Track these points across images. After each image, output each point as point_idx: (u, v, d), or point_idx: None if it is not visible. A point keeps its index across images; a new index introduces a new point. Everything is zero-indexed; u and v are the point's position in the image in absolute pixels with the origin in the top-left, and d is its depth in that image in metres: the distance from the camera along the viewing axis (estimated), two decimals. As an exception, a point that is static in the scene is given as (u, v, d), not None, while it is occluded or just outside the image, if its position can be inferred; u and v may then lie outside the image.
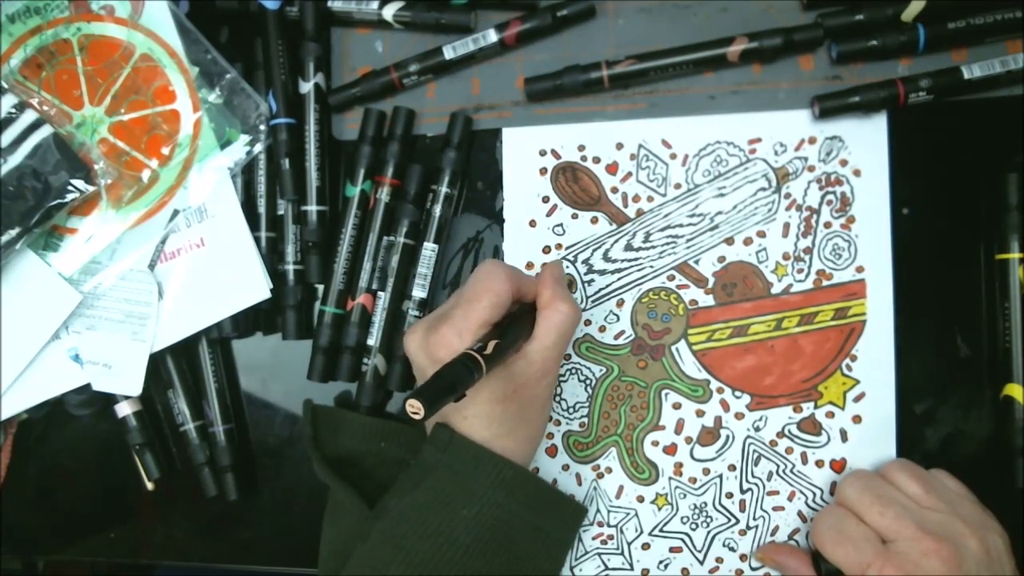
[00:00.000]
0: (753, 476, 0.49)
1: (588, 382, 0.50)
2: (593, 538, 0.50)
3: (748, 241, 0.50)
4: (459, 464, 0.42)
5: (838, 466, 0.49)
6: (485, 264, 0.44)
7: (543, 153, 0.51)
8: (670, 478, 0.50)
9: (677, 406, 0.50)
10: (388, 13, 0.51)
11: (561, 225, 0.51)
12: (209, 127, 0.51)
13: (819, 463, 0.49)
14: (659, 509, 0.50)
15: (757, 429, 0.49)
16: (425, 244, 0.50)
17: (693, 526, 0.49)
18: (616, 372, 0.50)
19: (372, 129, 0.51)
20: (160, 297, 0.51)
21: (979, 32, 0.47)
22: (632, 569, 0.49)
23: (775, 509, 0.49)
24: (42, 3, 0.50)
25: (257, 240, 0.52)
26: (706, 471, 0.49)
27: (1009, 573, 0.42)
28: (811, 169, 0.49)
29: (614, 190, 0.50)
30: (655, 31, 0.51)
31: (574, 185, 0.51)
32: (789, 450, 0.49)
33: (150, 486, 0.53)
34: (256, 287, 0.51)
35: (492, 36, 0.51)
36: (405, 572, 0.40)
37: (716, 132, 0.50)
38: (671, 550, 0.49)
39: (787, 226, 0.49)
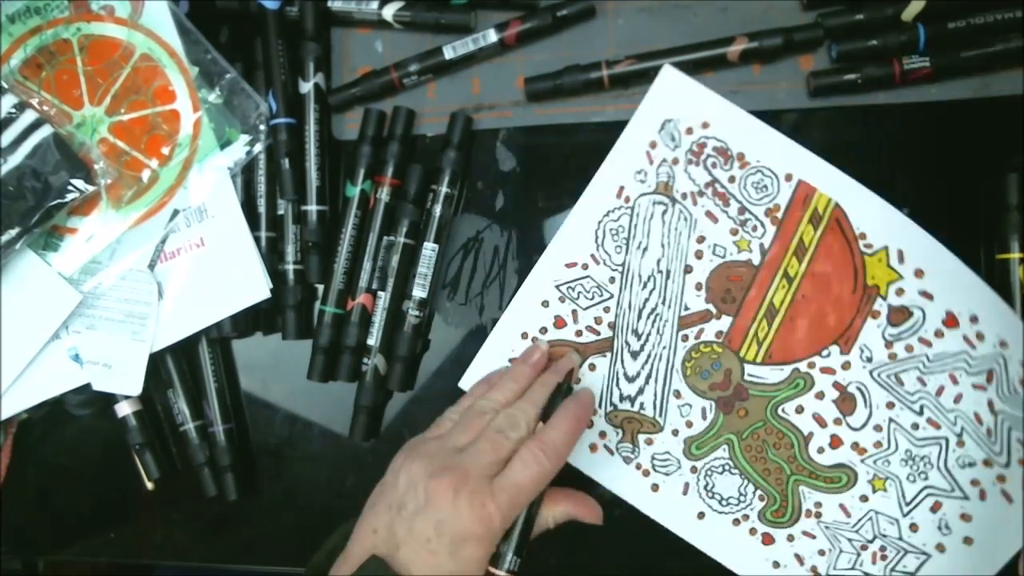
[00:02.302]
0: (908, 392, 0.47)
1: (727, 467, 0.49)
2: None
3: (699, 254, 0.49)
4: None
5: (950, 322, 0.47)
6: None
7: None
8: (862, 462, 0.47)
9: (800, 410, 0.48)
10: (388, 13, 0.51)
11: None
12: (209, 127, 0.51)
13: (937, 334, 0.47)
14: (884, 492, 0.47)
15: (869, 360, 0.47)
16: (425, 244, 0.50)
17: (912, 478, 0.47)
18: (736, 441, 0.48)
19: (372, 129, 0.51)
20: (160, 297, 0.51)
21: (979, 32, 0.47)
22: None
23: (955, 401, 0.47)
24: (42, 3, 0.50)
25: (257, 240, 0.52)
26: (878, 427, 0.47)
27: None
28: (675, 162, 0.48)
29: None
30: (655, 31, 0.51)
31: None
32: (909, 348, 0.47)
33: (150, 486, 0.53)
34: (256, 287, 0.51)
35: (492, 36, 0.51)
36: None
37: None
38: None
39: (709, 213, 0.48)
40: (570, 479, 0.47)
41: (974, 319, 0.46)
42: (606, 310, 0.49)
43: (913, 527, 0.47)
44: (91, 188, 0.49)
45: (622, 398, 0.49)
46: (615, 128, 0.49)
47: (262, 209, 0.52)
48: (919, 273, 0.47)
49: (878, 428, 0.47)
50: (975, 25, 0.47)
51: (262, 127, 0.51)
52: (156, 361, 0.52)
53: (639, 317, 0.49)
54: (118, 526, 0.55)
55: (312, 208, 0.51)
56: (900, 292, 0.47)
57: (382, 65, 0.52)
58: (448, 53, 0.51)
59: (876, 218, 0.47)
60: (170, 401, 0.53)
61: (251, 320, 0.53)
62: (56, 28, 0.50)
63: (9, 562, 0.55)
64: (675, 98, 0.48)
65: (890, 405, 0.47)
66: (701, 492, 0.48)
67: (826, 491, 0.48)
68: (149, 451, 0.52)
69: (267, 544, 0.54)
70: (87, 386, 0.51)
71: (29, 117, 0.48)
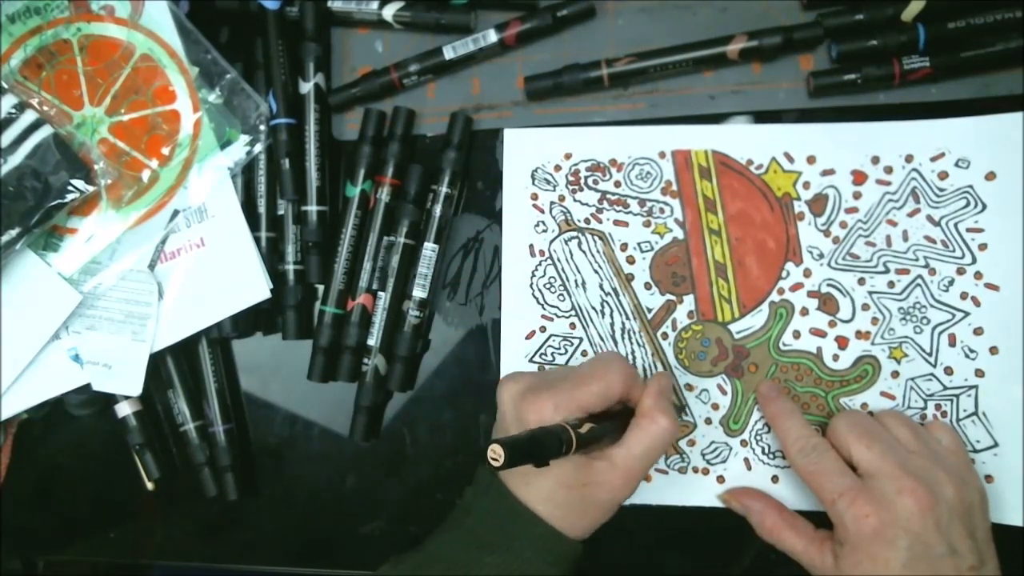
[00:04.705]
0: (867, 260, 0.48)
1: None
2: None
3: (631, 260, 0.50)
4: (494, 509, 0.42)
5: (859, 178, 0.48)
6: (608, 353, 0.44)
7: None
8: (873, 344, 0.48)
9: (796, 334, 0.49)
10: (388, 13, 0.51)
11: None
12: (209, 127, 0.51)
13: (855, 196, 0.48)
14: (906, 357, 0.48)
15: (821, 256, 0.48)
16: (425, 244, 0.50)
17: (918, 329, 0.48)
18: (750, 400, 0.49)
19: (372, 129, 0.51)
20: (160, 297, 0.51)
21: (979, 32, 0.47)
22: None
23: (904, 239, 0.48)
24: (42, 3, 0.50)
25: (257, 240, 0.52)
26: (865, 306, 0.48)
27: (980, 527, 0.42)
28: (561, 199, 0.50)
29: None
30: (655, 31, 0.51)
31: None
32: (843, 224, 0.48)
33: (150, 486, 0.53)
34: (256, 287, 0.51)
35: (492, 36, 0.51)
36: None
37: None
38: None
39: (617, 222, 0.50)
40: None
41: (874, 160, 0.49)
42: (584, 354, 0.50)
43: (947, 370, 0.48)
44: (91, 188, 0.49)
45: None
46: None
47: (262, 209, 0.52)
48: (811, 160, 0.49)
49: (865, 307, 0.49)
50: (975, 25, 0.47)
51: (262, 127, 0.51)
52: (156, 361, 0.52)
53: (615, 342, 0.50)
54: (118, 526, 0.54)
55: (312, 208, 0.51)
56: (807, 185, 0.49)
57: (382, 65, 0.52)
58: (448, 53, 0.51)
59: (749, 141, 0.50)
60: (170, 401, 0.53)
61: (251, 320, 0.53)
62: (56, 28, 0.50)
63: (9, 562, 0.55)
64: (527, 150, 0.51)
65: (861, 281, 0.49)
66: (761, 458, 0.49)
67: (863, 389, 0.48)
68: (149, 451, 0.52)
69: (267, 544, 0.54)
70: (87, 386, 0.51)
71: (29, 117, 0.48)
